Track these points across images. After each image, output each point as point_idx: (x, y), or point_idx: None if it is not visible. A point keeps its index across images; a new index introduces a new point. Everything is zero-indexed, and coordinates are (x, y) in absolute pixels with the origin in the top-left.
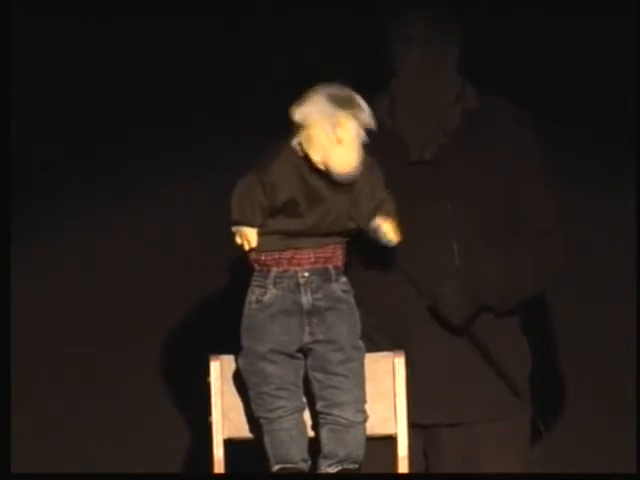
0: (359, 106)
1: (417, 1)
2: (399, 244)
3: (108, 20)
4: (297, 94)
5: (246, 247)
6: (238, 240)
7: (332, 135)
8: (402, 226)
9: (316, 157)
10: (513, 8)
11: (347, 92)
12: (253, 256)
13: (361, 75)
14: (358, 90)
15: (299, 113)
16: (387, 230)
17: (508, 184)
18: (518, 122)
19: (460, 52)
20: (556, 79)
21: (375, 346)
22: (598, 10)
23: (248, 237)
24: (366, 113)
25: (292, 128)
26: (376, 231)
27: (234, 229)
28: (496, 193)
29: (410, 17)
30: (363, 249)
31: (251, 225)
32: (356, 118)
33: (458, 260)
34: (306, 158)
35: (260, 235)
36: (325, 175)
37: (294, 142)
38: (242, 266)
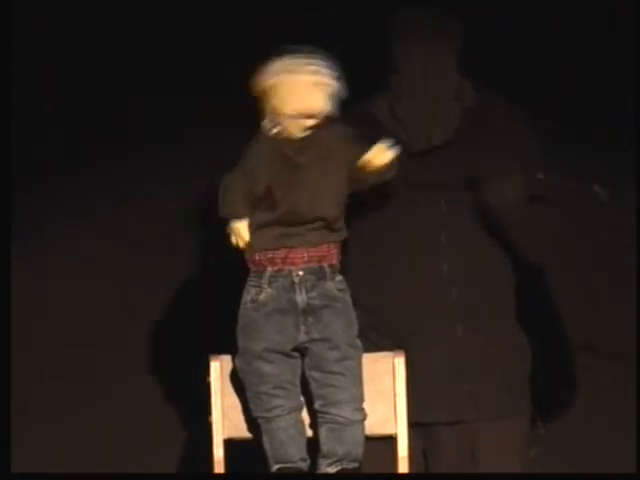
0: (312, 56)
1: (417, 0)
2: (394, 238)
3: (108, 20)
4: None
5: (241, 244)
6: (233, 239)
7: (303, 81)
8: (396, 224)
9: (293, 109)
10: (513, 8)
11: (300, 52)
12: (248, 255)
13: (361, 75)
14: (357, 90)
15: (263, 79)
16: (376, 156)
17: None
18: (514, 118)
19: (460, 51)
20: (556, 79)
21: (374, 346)
22: (598, 10)
23: (240, 232)
24: (321, 62)
25: (260, 106)
26: (369, 163)
27: (228, 229)
28: None
29: (413, 16)
30: (362, 249)
31: (239, 217)
32: (315, 65)
33: (448, 253)
34: (278, 135)
35: (252, 234)
36: (303, 145)
37: (264, 123)
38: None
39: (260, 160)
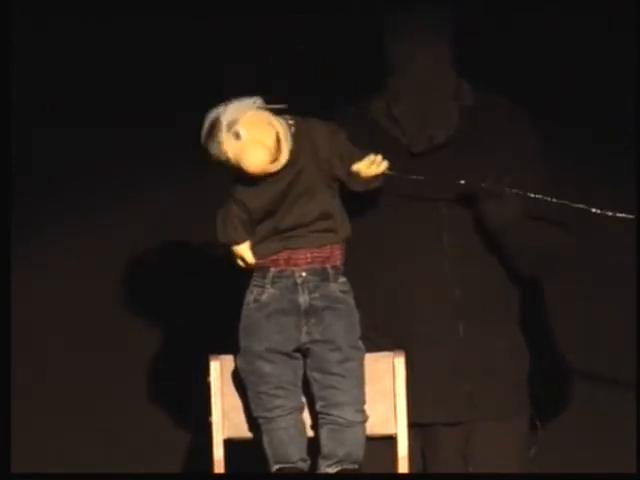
0: (226, 109)
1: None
2: (395, 238)
3: (108, 20)
4: (297, 94)
5: (245, 265)
6: (239, 262)
7: (230, 142)
8: (396, 224)
9: (236, 170)
10: (513, 8)
11: (212, 115)
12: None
13: (361, 75)
14: (357, 90)
15: (210, 150)
16: (365, 168)
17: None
18: (515, 118)
19: (455, 49)
20: (556, 79)
21: (374, 346)
22: (598, 10)
23: (243, 255)
24: (237, 105)
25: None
26: (358, 176)
27: (230, 253)
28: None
29: (410, 16)
30: (363, 249)
31: (238, 243)
32: (237, 117)
33: (448, 253)
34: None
35: (256, 245)
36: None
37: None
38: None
39: (248, 190)
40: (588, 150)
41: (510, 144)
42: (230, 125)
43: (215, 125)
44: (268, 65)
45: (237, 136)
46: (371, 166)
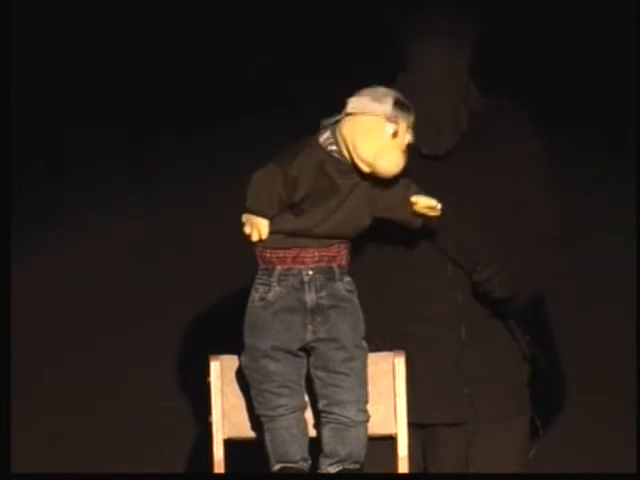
0: (412, 117)
1: (420, 1)
2: (400, 242)
3: (108, 20)
4: (297, 94)
5: (255, 238)
6: (247, 230)
7: (390, 134)
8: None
9: (366, 151)
10: (514, 9)
11: (407, 101)
12: (259, 251)
13: (361, 75)
14: (357, 88)
15: (360, 103)
16: (422, 205)
17: (511, 186)
18: (523, 123)
19: (473, 53)
20: (556, 79)
21: (375, 346)
22: (598, 10)
23: (260, 228)
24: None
25: (333, 119)
26: (413, 209)
27: (244, 218)
28: (498, 195)
29: (432, 16)
30: (363, 249)
31: (265, 216)
32: (409, 127)
33: (453, 256)
34: (331, 155)
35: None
36: (348, 171)
37: (323, 137)
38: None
39: (305, 170)
40: (588, 150)
41: (515, 152)
42: (391, 118)
43: (412, 112)
44: (268, 65)
45: (395, 133)
46: (429, 209)
